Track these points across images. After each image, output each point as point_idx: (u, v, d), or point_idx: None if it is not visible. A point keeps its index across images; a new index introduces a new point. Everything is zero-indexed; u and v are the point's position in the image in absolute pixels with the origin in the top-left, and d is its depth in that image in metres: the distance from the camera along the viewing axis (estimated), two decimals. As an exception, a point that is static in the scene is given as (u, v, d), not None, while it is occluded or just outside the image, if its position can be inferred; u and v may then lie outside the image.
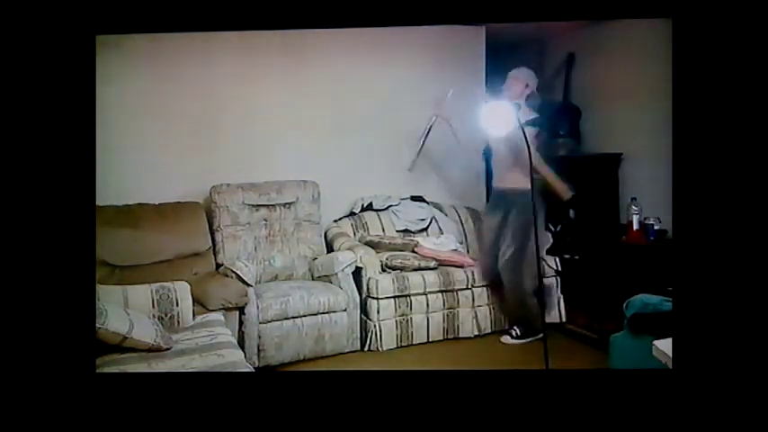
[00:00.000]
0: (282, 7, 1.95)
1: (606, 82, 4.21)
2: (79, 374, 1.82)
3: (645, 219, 3.74)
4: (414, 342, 3.37)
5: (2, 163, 1.80)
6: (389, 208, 4.03)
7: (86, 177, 1.85)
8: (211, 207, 3.45)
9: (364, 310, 3.34)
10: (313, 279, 3.51)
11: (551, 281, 3.69)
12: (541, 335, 3.25)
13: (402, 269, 3.44)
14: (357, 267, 3.36)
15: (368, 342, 3.29)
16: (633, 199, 3.83)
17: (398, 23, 2.11)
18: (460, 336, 3.48)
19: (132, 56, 3.32)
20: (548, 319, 3.42)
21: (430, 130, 3.64)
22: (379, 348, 3.28)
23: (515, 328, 3.43)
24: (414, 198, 4.14)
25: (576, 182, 4.18)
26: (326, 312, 3.20)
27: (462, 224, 4.11)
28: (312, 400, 1.93)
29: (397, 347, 3.32)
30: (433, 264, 3.52)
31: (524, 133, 2.64)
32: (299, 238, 3.62)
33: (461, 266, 3.57)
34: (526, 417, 1.88)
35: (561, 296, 3.69)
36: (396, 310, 3.34)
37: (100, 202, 2.36)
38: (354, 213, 3.98)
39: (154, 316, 2.58)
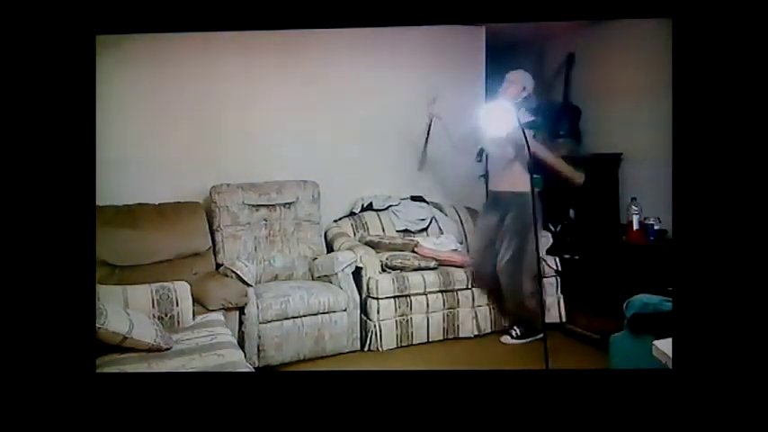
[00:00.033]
0: (282, 7, 1.95)
1: (606, 82, 4.21)
2: (79, 374, 1.82)
3: (645, 219, 3.75)
4: (414, 342, 3.37)
5: (2, 163, 1.80)
6: (389, 208, 4.03)
7: (86, 177, 1.85)
8: (211, 207, 3.45)
9: (364, 310, 3.34)
10: (313, 279, 3.51)
11: (551, 280, 3.69)
12: (541, 335, 3.26)
13: (402, 269, 3.44)
14: (357, 267, 3.36)
15: (368, 342, 3.29)
16: (633, 199, 3.83)
17: (398, 23, 2.11)
18: (460, 336, 3.48)
19: (132, 56, 3.32)
20: (548, 319, 3.42)
21: (430, 129, 3.64)
22: (379, 348, 3.28)
23: (515, 328, 3.43)
24: (414, 198, 4.14)
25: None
26: (326, 312, 3.20)
27: (462, 224, 4.11)
28: (312, 400, 1.93)
29: (397, 347, 3.32)
30: (433, 264, 3.52)
31: (524, 133, 2.64)
32: (299, 238, 3.62)
33: (461, 266, 3.57)
34: (526, 417, 1.88)
35: (561, 296, 3.69)
36: (396, 310, 3.34)
37: (100, 202, 2.36)
38: (354, 213, 3.98)
39: (154, 316, 2.58)
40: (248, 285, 2.99)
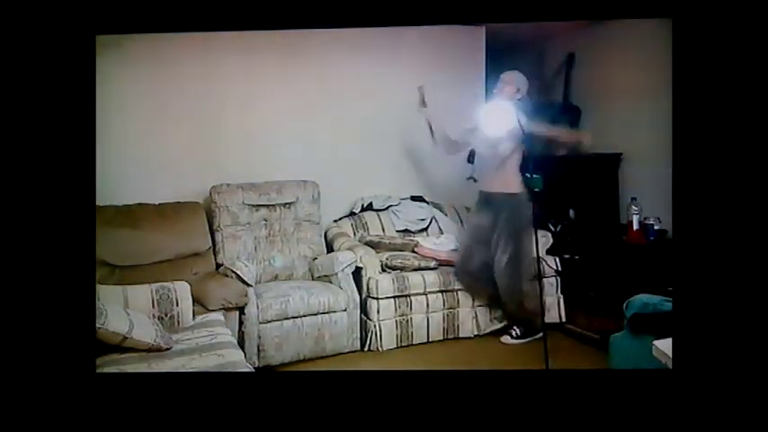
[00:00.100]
0: (282, 7, 1.95)
1: (606, 82, 4.21)
2: (79, 374, 1.82)
3: (645, 219, 3.75)
4: (414, 342, 3.37)
5: (2, 163, 1.80)
6: (389, 208, 4.03)
7: (86, 177, 1.85)
8: (211, 207, 3.45)
9: (364, 310, 3.34)
10: (313, 279, 3.51)
11: (551, 280, 3.69)
12: (541, 334, 3.26)
13: (402, 269, 3.44)
14: (357, 267, 3.36)
15: (368, 342, 3.29)
16: (633, 199, 3.83)
17: (398, 23, 2.12)
18: (460, 336, 3.48)
19: (132, 56, 3.32)
20: (548, 319, 3.42)
21: (431, 125, 3.63)
22: (379, 348, 3.28)
23: (515, 328, 3.43)
24: (414, 198, 4.15)
25: (575, 182, 4.21)
26: (326, 312, 3.20)
27: (462, 224, 4.10)
28: (312, 400, 1.93)
29: (397, 347, 3.32)
30: (433, 264, 3.52)
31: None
32: (299, 238, 3.62)
33: (461, 266, 3.57)
34: (526, 417, 1.88)
35: (561, 296, 3.69)
36: (396, 310, 3.34)
37: (100, 202, 2.36)
38: (354, 213, 3.98)
39: (154, 316, 2.58)
40: (248, 285, 2.99)
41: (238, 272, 3.00)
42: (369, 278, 3.35)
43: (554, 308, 3.65)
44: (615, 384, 1.93)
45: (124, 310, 2.41)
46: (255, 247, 3.50)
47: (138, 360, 2.19)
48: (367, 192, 4.04)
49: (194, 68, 3.54)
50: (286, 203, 3.63)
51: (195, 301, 2.76)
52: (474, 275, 3.45)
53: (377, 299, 3.29)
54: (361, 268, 3.37)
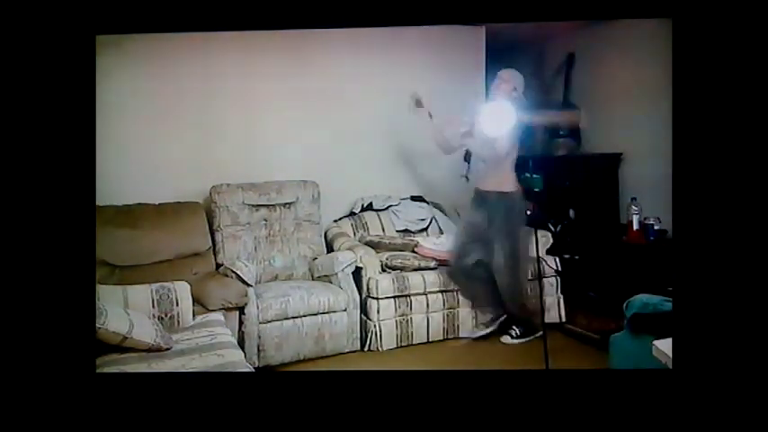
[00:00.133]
0: (282, 7, 1.95)
1: (606, 82, 4.21)
2: (79, 374, 1.82)
3: (645, 219, 3.74)
4: (414, 342, 3.37)
5: (2, 163, 1.80)
6: (389, 208, 4.03)
7: (86, 177, 1.85)
8: (211, 207, 3.45)
9: (364, 310, 3.34)
10: (313, 279, 3.51)
11: (551, 280, 3.69)
12: (540, 332, 3.26)
13: (402, 269, 3.44)
14: (357, 267, 3.36)
15: (368, 342, 3.29)
16: (633, 199, 3.83)
17: (398, 23, 2.11)
18: (460, 336, 3.47)
19: (132, 56, 3.32)
20: (548, 319, 3.42)
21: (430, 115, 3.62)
22: (379, 348, 3.28)
23: (514, 327, 3.42)
24: (414, 198, 4.14)
25: (575, 182, 4.21)
26: (326, 312, 3.20)
27: (463, 224, 4.10)
28: (312, 400, 1.94)
29: (397, 347, 3.32)
30: (433, 264, 3.51)
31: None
32: (299, 238, 3.62)
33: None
34: (526, 417, 1.88)
35: (561, 296, 3.69)
36: (396, 310, 3.33)
37: (100, 202, 2.36)
38: (354, 213, 3.98)
39: (154, 316, 2.58)
40: (248, 285, 2.99)
41: (238, 272, 3.00)
42: (369, 278, 3.35)
43: (554, 308, 3.65)
44: (615, 384, 1.93)
45: (124, 310, 2.41)
46: (255, 247, 3.50)
47: (138, 360, 2.19)
48: (367, 192, 4.04)
49: (194, 68, 3.54)
50: (286, 203, 3.63)
51: (195, 301, 2.76)
52: (469, 274, 3.43)
53: (377, 299, 3.29)
54: (361, 268, 3.37)
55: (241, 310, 2.96)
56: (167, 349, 2.30)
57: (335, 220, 3.95)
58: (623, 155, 4.14)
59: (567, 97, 4.55)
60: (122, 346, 2.22)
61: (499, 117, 3.14)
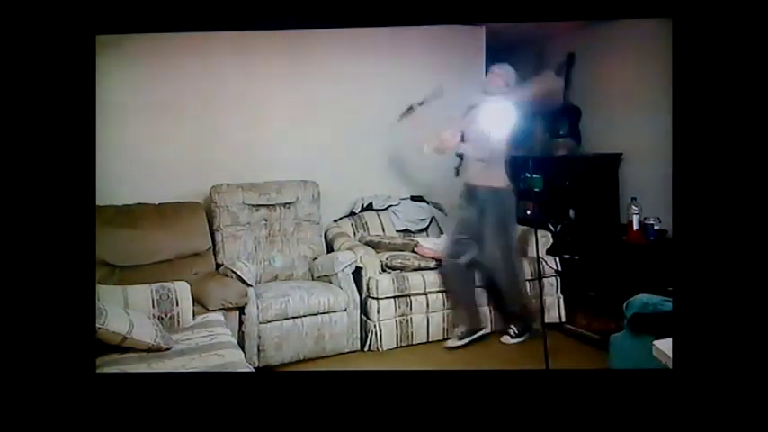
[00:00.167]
0: (282, 7, 1.95)
1: (606, 82, 4.21)
2: (79, 374, 1.82)
3: (645, 219, 3.74)
4: (414, 342, 3.37)
5: (2, 163, 1.80)
6: (389, 208, 4.03)
7: (86, 177, 1.85)
8: (211, 207, 3.45)
9: (364, 310, 3.34)
10: (313, 279, 3.51)
11: (551, 280, 3.69)
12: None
13: (402, 269, 3.44)
14: (357, 267, 3.36)
15: (368, 342, 3.29)
16: (633, 199, 3.83)
17: (398, 23, 2.11)
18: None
19: (132, 56, 3.32)
20: (548, 319, 3.42)
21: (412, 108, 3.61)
22: (379, 348, 3.28)
23: (512, 326, 3.42)
24: (414, 198, 4.15)
25: (575, 182, 4.21)
26: (326, 312, 3.20)
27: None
28: (312, 400, 1.93)
29: (397, 347, 3.32)
30: (433, 264, 3.51)
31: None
32: (299, 238, 3.62)
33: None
34: (526, 417, 1.88)
35: (561, 296, 3.69)
36: (396, 310, 3.33)
37: (100, 202, 2.36)
38: (354, 213, 3.98)
39: (154, 316, 2.58)
40: (248, 285, 2.99)
41: (238, 272, 3.00)
42: (369, 278, 3.35)
43: (554, 308, 3.65)
44: (615, 384, 1.93)
45: (124, 310, 2.41)
46: (255, 247, 3.50)
47: (138, 360, 2.19)
48: (367, 192, 4.04)
49: (194, 68, 3.54)
50: (286, 203, 3.63)
51: (195, 301, 2.76)
52: (461, 275, 3.41)
53: (377, 299, 3.29)
54: (361, 268, 3.37)
55: (241, 310, 2.96)
56: (167, 349, 2.30)
57: (335, 220, 3.95)
58: (623, 155, 4.14)
59: (567, 97, 4.55)
60: (122, 346, 2.22)
61: (493, 114, 3.15)
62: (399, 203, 4.06)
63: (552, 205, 4.09)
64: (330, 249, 3.68)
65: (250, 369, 2.29)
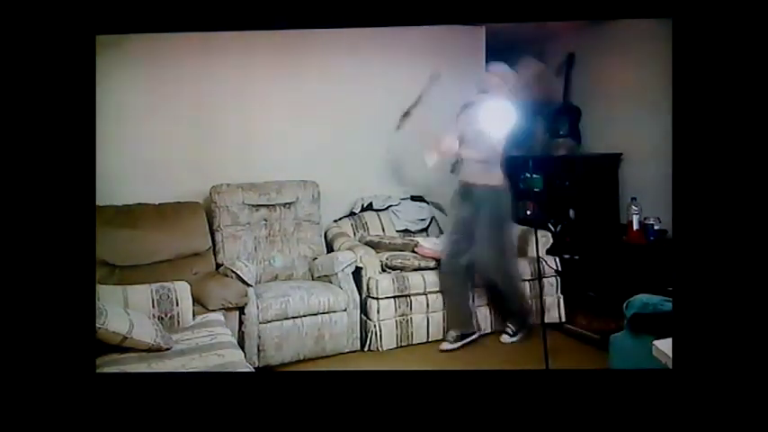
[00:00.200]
0: (282, 7, 1.95)
1: (606, 82, 4.21)
2: (79, 374, 1.82)
3: (645, 219, 3.75)
4: (414, 342, 3.37)
5: (2, 163, 1.80)
6: (389, 208, 4.03)
7: (86, 177, 1.85)
8: (211, 207, 3.45)
9: (364, 310, 3.34)
10: (313, 279, 3.51)
11: (551, 280, 3.68)
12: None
13: (402, 269, 3.44)
14: (357, 267, 3.36)
15: (368, 342, 3.29)
16: (633, 199, 3.83)
17: (398, 23, 2.11)
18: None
19: (132, 56, 3.32)
20: (548, 319, 3.42)
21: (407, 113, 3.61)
22: (379, 348, 3.28)
23: (509, 325, 3.41)
24: (414, 198, 4.14)
25: (575, 182, 4.21)
26: (326, 312, 3.20)
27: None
28: (312, 400, 1.93)
29: (397, 347, 3.32)
30: (433, 264, 3.51)
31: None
32: (299, 238, 3.62)
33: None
34: (526, 417, 1.88)
35: (561, 296, 3.69)
36: (396, 310, 3.33)
37: (100, 202, 2.36)
38: (354, 213, 3.98)
39: (154, 316, 2.58)
40: (248, 285, 2.99)
41: (238, 272, 3.00)
42: (369, 278, 3.35)
43: (554, 308, 3.65)
44: (615, 384, 1.93)
45: (124, 310, 2.41)
46: (255, 247, 3.50)
47: (138, 360, 2.19)
48: (367, 192, 4.04)
49: (194, 68, 3.54)
50: (286, 203, 3.63)
51: (195, 301, 2.76)
52: (458, 275, 3.40)
53: (377, 299, 3.29)
54: (361, 268, 3.37)
55: (241, 310, 2.96)
56: (167, 349, 2.30)
57: (335, 220, 3.95)
58: (623, 155, 4.14)
59: (566, 97, 4.55)
60: (122, 346, 2.22)
61: (488, 113, 3.14)
62: (399, 203, 4.06)
63: (552, 205, 4.09)
64: (330, 249, 3.68)
65: (250, 369, 2.29)
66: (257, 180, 3.61)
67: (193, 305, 2.73)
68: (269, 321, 3.05)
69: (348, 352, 3.26)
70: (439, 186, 4.18)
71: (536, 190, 3.21)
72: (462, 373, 2.65)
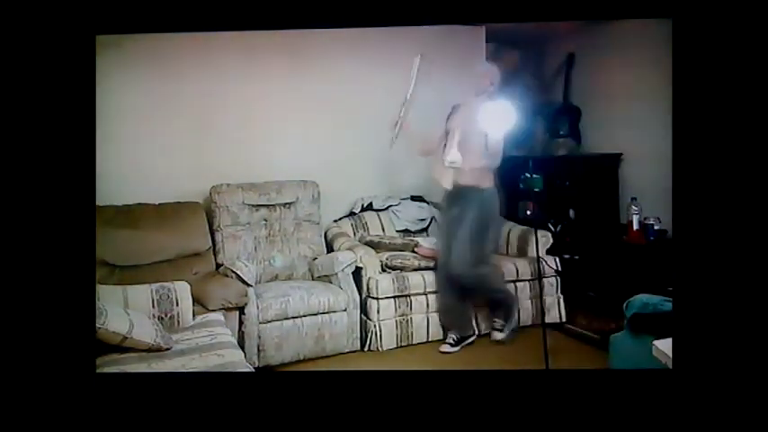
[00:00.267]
0: (282, 7, 1.95)
1: (606, 82, 4.21)
2: (79, 374, 1.82)
3: (645, 219, 3.75)
4: (414, 342, 3.37)
5: (2, 163, 1.80)
6: (389, 208, 4.03)
7: (86, 177, 1.85)
8: (211, 207, 3.45)
9: (364, 310, 3.34)
10: (313, 279, 3.51)
11: (551, 280, 3.68)
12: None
13: (402, 269, 3.44)
14: (357, 267, 3.36)
15: (368, 342, 3.29)
16: (633, 199, 3.83)
17: (398, 23, 2.11)
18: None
19: (132, 56, 3.32)
20: (548, 319, 3.42)
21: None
22: (379, 348, 3.28)
23: (495, 320, 3.39)
24: (414, 198, 4.14)
25: (575, 182, 4.21)
26: (326, 312, 3.20)
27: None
28: (312, 400, 1.93)
29: (397, 347, 3.32)
30: (433, 264, 3.51)
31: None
32: (299, 238, 3.62)
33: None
34: (526, 417, 1.88)
35: (561, 296, 3.69)
36: (396, 310, 3.33)
37: (100, 202, 2.36)
38: (354, 213, 3.98)
39: (154, 316, 2.58)
40: (248, 285, 2.99)
41: (238, 272, 3.00)
42: (369, 278, 3.35)
43: (554, 308, 3.65)
44: (615, 384, 1.93)
45: (124, 310, 2.41)
46: (255, 247, 3.50)
47: (138, 360, 2.19)
48: (367, 192, 4.04)
49: (194, 68, 3.54)
50: (286, 203, 3.63)
51: (195, 301, 2.76)
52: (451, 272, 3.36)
53: (377, 299, 3.29)
54: (361, 268, 3.37)
55: (241, 310, 2.96)
56: (167, 349, 2.30)
57: (335, 220, 3.95)
58: (623, 155, 4.14)
59: (567, 97, 4.55)
60: (122, 346, 2.22)
61: (477, 114, 3.14)
62: (399, 203, 4.06)
63: (552, 205, 4.09)
64: (330, 249, 3.68)
65: (250, 369, 2.29)
66: (257, 180, 3.61)
67: (193, 305, 2.73)
68: (269, 321, 3.05)
69: (348, 352, 3.26)
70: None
71: (536, 190, 3.19)
72: (462, 373, 2.65)
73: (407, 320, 3.36)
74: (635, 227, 3.77)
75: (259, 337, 3.02)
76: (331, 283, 3.36)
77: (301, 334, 3.12)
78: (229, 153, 3.65)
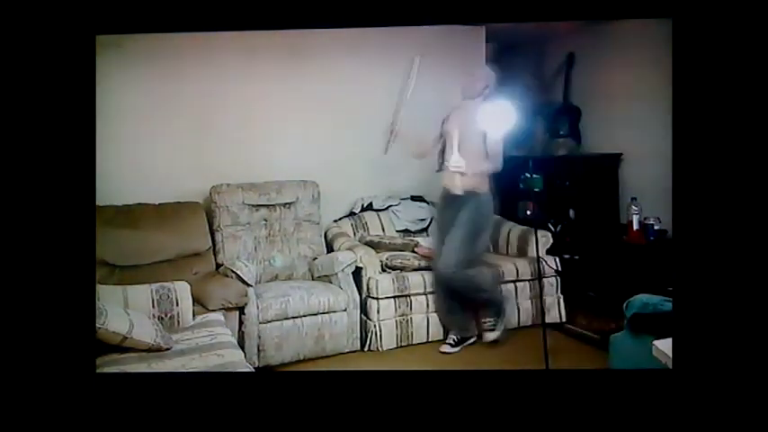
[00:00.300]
0: (282, 7, 1.95)
1: (606, 82, 4.21)
2: (79, 374, 1.82)
3: (645, 219, 3.75)
4: (414, 342, 3.37)
5: (2, 163, 1.80)
6: (389, 208, 4.03)
7: (86, 177, 1.85)
8: (211, 207, 3.45)
9: (364, 310, 3.34)
10: (313, 279, 3.51)
11: (551, 280, 3.68)
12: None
13: (402, 269, 3.44)
14: (357, 267, 3.36)
15: (368, 342, 3.29)
16: (633, 199, 3.83)
17: (398, 23, 2.11)
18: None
19: (132, 56, 3.32)
20: (548, 319, 3.42)
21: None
22: (379, 348, 3.28)
23: (485, 320, 3.36)
24: (414, 198, 4.15)
25: (575, 182, 4.22)
26: (326, 312, 3.20)
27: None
28: (312, 400, 1.93)
29: (397, 347, 3.32)
30: (432, 264, 3.51)
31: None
32: (299, 238, 3.62)
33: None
34: (526, 417, 1.88)
35: (561, 296, 3.69)
36: (396, 310, 3.33)
37: (100, 202, 2.36)
38: (354, 213, 3.98)
39: (154, 316, 2.58)
40: (248, 285, 2.99)
41: (238, 272, 3.00)
42: (369, 278, 3.35)
43: (554, 308, 3.65)
44: (615, 384, 1.93)
45: (124, 310, 2.41)
46: (255, 247, 3.50)
47: (138, 360, 2.19)
48: (367, 192, 4.04)
49: (194, 68, 3.54)
50: (286, 203, 3.63)
51: (195, 301, 2.76)
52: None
53: (377, 299, 3.29)
54: (361, 268, 3.37)
55: (241, 310, 2.96)
56: (167, 349, 2.30)
57: (335, 220, 3.95)
58: (623, 155, 4.15)
59: (567, 97, 4.55)
60: (122, 346, 2.22)
61: (471, 117, 3.14)
62: (399, 203, 4.06)
63: (552, 205, 4.09)
64: (330, 249, 3.68)
65: (250, 369, 2.29)
66: (257, 180, 3.61)
67: (193, 305, 2.73)
68: (269, 321, 3.05)
69: (348, 352, 3.26)
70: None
71: (536, 190, 3.19)
72: (462, 373, 2.65)
73: (407, 320, 3.36)
74: (635, 227, 3.77)
75: (259, 337, 3.02)
76: (331, 283, 3.36)
77: (301, 334, 3.12)
78: (229, 153, 3.66)
